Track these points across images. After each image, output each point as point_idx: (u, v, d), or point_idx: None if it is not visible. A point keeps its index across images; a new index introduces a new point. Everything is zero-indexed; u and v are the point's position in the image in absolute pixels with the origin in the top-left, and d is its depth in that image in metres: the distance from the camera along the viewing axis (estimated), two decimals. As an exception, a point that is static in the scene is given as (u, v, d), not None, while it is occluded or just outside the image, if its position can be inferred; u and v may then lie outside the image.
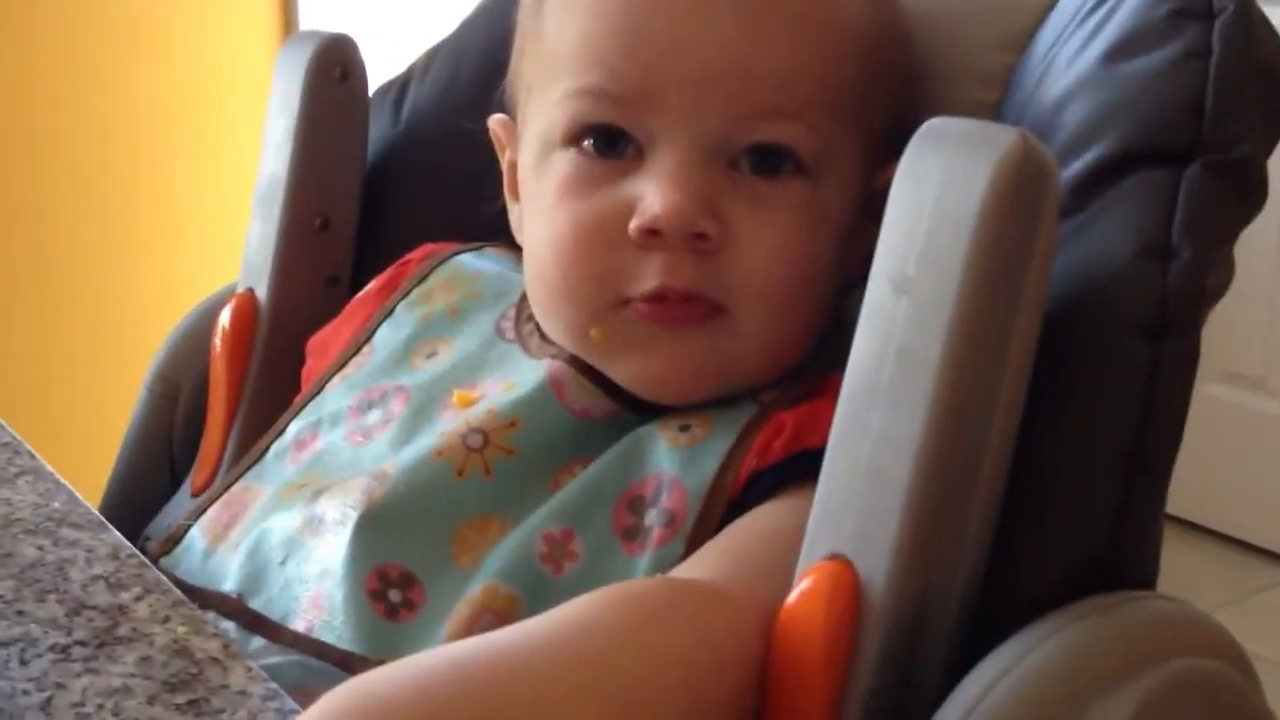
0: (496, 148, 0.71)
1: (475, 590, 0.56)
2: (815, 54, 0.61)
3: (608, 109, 0.61)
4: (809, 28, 0.61)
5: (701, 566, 0.53)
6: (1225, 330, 1.97)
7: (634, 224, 0.59)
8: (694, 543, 0.56)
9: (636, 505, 0.58)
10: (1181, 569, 1.96)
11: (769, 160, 0.60)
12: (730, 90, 0.59)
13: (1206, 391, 2.03)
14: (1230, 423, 2.02)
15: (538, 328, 0.66)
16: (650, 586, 0.51)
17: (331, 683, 0.54)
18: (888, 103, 0.65)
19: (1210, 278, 0.53)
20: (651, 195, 0.59)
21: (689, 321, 0.60)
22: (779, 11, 0.60)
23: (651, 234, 0.59)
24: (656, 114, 0.60)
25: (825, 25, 0.62)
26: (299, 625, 0.58)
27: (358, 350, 0.70)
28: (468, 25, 0.83)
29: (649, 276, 0.59)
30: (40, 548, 0.56)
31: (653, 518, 0.57)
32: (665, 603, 0.49)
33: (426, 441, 0.61)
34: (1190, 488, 2.03)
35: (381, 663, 0.55)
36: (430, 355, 0.68)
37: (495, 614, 0.56)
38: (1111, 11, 0.60)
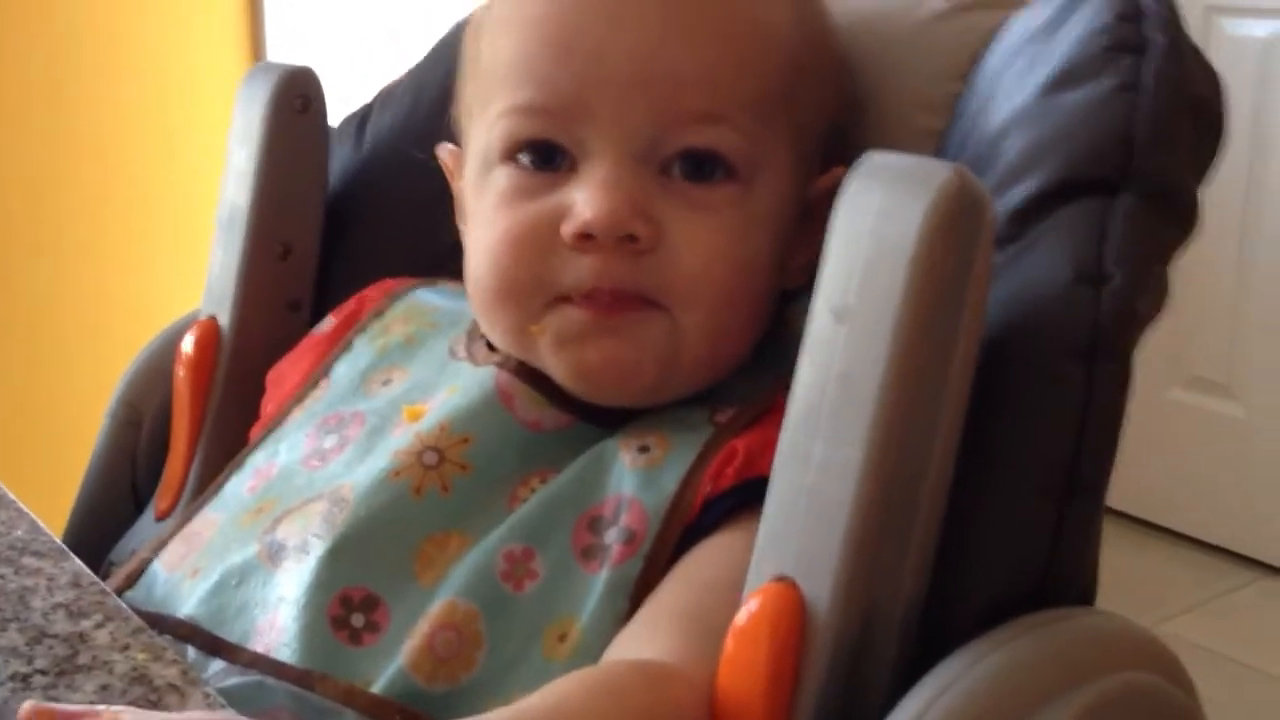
0: (447, 176, 0.73)
1: (435, 607, 0.58)
2: (739, 58, 0.62)
3: (541, 123, 0.62)
4: (732, 32, 0.63)
5: (658, 637, 0.54)
6: (1189, 336, 1.99)
7: (566, 229, 0.60)
8: (652, 561, 0.57)
9: (596, 525, 0.59)
10: (1147, 573, 1.98)
11: (701, 167, 0.62)
12: (656, 96, 0.61)
13: (1171, 397, 2.05)
14: (1195, 427, 2.04)
15: (487, 343, 0.67)
16: (618, 676, 0.52)
17: (290, 701, 0.55)
18: (818, 105, 0.66)
19: (1141, 301, 0.55)
20: (583, 202, 0.60)
21: (625, 310, 0.61)
22: (702, 17, 0.62)
23: (584, 238, 0.60)
24: (587, 124, 0.61)
25: (749, 29, 0.63)
26: (257, 647, 0.58)
27: (316, 384, 0.71)
28: (429, 59, 0.84)
29: (584, 277, 0.61)
30: (1, 576, 0.57)
31: (612, 536, 0.58)
32: (631, 693, 0.51)
33: (381, 462, 0.62)
34: (1157, 491, 2.07)
35: (341, 682, 0.56)
36: (386, 382, 0.69)
37: (454, 629, 0.57)
38: (1051, 44, 0.61)
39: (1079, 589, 0.55)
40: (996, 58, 0.65)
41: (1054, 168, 0.57)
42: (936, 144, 0.67)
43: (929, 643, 0.52)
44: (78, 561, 0.59)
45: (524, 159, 0.63)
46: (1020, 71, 0.61)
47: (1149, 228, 0.55)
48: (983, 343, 0.52)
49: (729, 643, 0.51)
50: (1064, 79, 0.59)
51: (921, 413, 0.50)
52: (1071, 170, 0.56)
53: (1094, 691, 0.51)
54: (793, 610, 0.49)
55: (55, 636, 0.53)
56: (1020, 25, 0.65)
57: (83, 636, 0.53)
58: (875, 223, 0.49)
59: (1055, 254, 0.55)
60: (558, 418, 0.63)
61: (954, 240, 0.49)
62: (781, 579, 0.50)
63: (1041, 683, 0.50)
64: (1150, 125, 0.56)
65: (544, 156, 0.63)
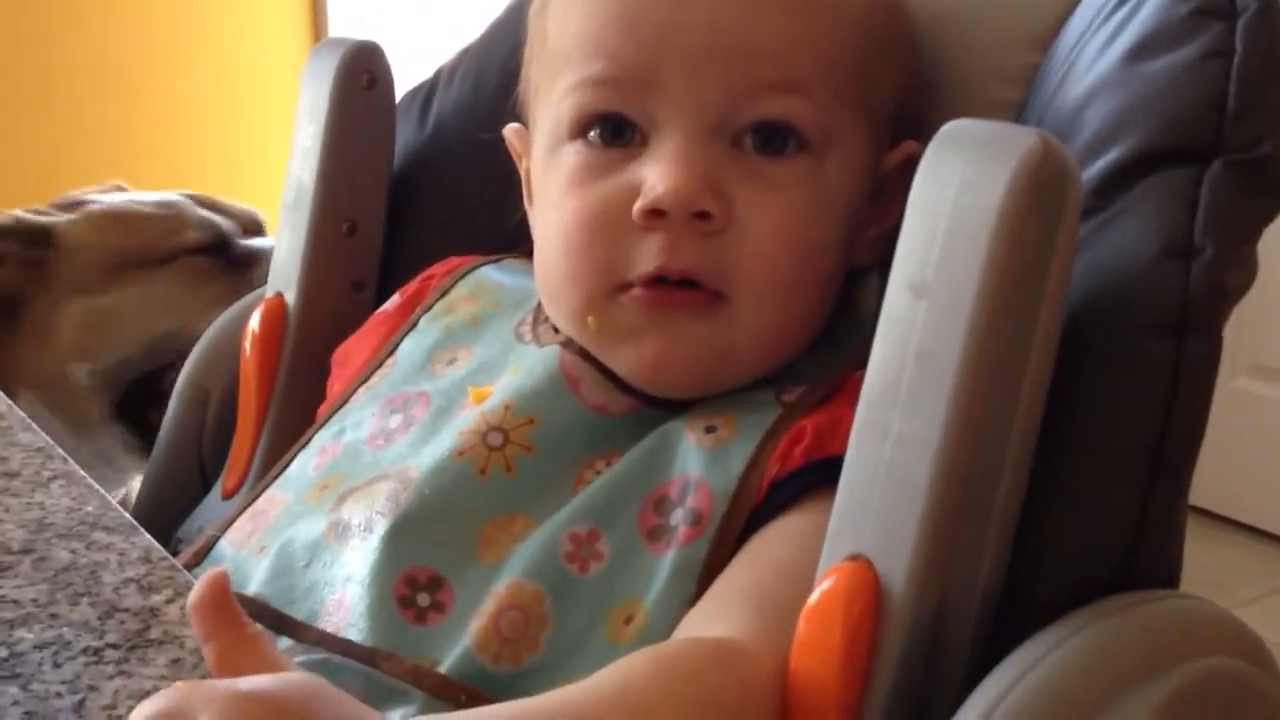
0: (513, 157, 0.72)
1: (500, 586, 0.57)
2: (813, 28, 0.61)
3: (610, 96, 0.61)
4: (805, 5, 0.61)
5: (726, 615, 0.53)
6: (1253, 323, 1.95)
7: (638, 205, 0.59)
8: (719, 543, 0.57)
9: (662, 506, 0.58)
10: (1212, 563, 1.94)
11: (772, 139, 0.61)
12: (729, 66, 0.60)
13: (1235, 385, 2.01)
14: (1259, 416, 2.00)
15: (553, 324, 0.66)
16: (686, 653, 0.51)
17: (357, 680, 0.55)
18: (890, 80, 0.65)
19: (1232, 276, 0.53)
20: (654, 176, 0.59)
21: (684, 307, 0.60)
22: None
23: (655, 214, 0.59)
24: (658, 96, 0.60)
25: (821, 3, 0.62)
26: (325, 626, 0.58)
27: (381, 363, 0.70)
28: (491, 32, 0.83)
29: (649, 258, 0.60)
30: (73, 551, 0.57)
31: (678, 517, 0.58)
32: (699, 671, 0.50)
33: (446, 442, 0.62)
34: (1219, 481, 2.03)
35: (408, 661, 0.56)
36: (451, 362, 0.68)
37: (520, 609, 0.56)
38: (1134, 10, 0.59)
39: (1162, 575, 0.54)
40: (1077, 26, 0.63)
41: (1140, 137, 0.55)
42: (1013, 116, 0.65)
43: (1007, 625, 0.51)
44: (148, 537, 0.59)
45: (593, 135, 0.62)
46: (1103, 40, 0.60)
47: (1241, 199, 0.53)
48: (1067, 317, 0.51)
49: (801, 624, 0.50)
50: (1149, 45, 0.57)
51: (1002, 390, 0.49)
52: (1159, 139, 0.54)
53: (1179, 676, 0.50)
54: (868, 590, 0.48)
55: (126, 611, 0.53)
56: (1101, -8, 0.63)
57: (154, 611, 0.53)
58: (956, 193, 0.48)
59: (1142, 226, 0.53)
60: (624, 401, 0.62)
61: (1039, 210, 0.47)
62: (856, 558, 0.49)
63: (1125, 667, 0.49)
64: (1243, 93, 0.54)
65: (614, 131, 0.62)
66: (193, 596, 0.44)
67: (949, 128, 0.50)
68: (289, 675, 0.43)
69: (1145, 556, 0.52)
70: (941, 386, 0.48)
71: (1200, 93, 0.55)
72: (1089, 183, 0.55)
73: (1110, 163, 0.55)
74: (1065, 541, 0.52)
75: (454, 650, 0.56)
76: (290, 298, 0.77)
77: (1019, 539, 0.51)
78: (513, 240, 0.75)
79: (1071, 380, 0.52)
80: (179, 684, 0.42)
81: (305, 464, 0.67)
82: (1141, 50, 0.57)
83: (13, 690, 0.47)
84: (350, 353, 0.74)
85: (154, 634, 0.51)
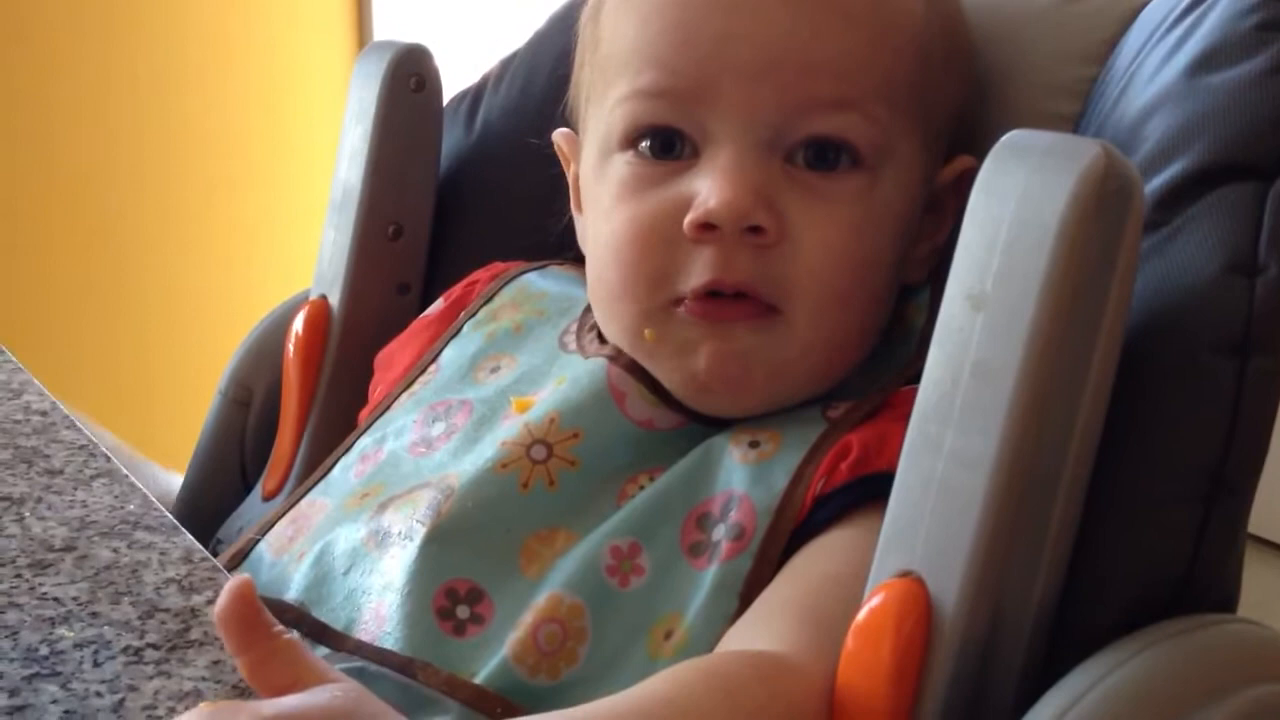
0: (562, 162, 0.72)
1: (540, 599, 0.57)
2: (870, 44, 0.61)
3: (663, 109, 0.61)
4: (863, 19, 0.61)
5: (771, 629, 0.52)
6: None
7: (689, 219, 0.59)
8: (761, 559, 0.56)
9: (704, 522, 0.58)
10: (1260, 588, 1.91)
11: (825, 154, 0.60)
12: (784, 81, 0.59)
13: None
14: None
15: (598, 334, 0.66)
16: (731, 666, 0.51)
17: (392, 690, 0.55)
18: (947, 95, 0.64)
19: (1298, 293, 0.52)
20: (706, 190, 0.59)
21: (738, 319, 0.60)
22: (832, 3, 0.60)
23: (706, 228, 0.59)
24: (711, 109, 0.60)
25: (878, 15, 0.61)
26: (362, 635, 0.58)
27: (424, 369, 0.70)
28: (540, 36, 0.83)
29: (702, 271, 0.59)
30: (115, 550, 0.57)
31: (720, 532, 0.57)
32: (744, 685, 0.49)
33: (488, 451, 0.61)
34: (1268, 505, 1.99)
35: (443, 671, 0.55)
36: (494, 370, 0.68)
37: (559, 622, 0.56)
38: (1197, 22, 0.58)
39: (1220, 597, 0.52)
40: (1136, 38, 0.62)
41: (1202, 151, 0.54)
42: (1070, 129, 0.64)
43: (1061, 647, 0.50)
44: (189, 537, 0.59)
45: (644, 147, 0.62)
46: (1164, 53, 0.58)
47: None
48: (1127, 333, 0.50)
49: (850, 640, 0.49)
50: (1212, 58, 0.56)
51: (1060, 405, 0.48)
52: (1222, 154, 0.53)
53: (1236, 703, 0.48)
54: (918, 607, 0.47)
55: (167, 611, 0.53)
56: (1161, 5, 0.62)
57: (194, 612, 0.53)
58: (1016, 204, 0.47)
59: (1204, 241, 0.52)
60: (670, 417, 0.62)
61: (1101, 223, 0.46)
62: (907, 574, 0.48)
63: (1185, 692, 0.48)
64: None
65: (665, 145, 0.61)
66: (219, 606, 0.42)
67: (1009, 138, 0.49)
68: (317, 692, 0.41)
69: (1203, 577, 0.51)
70: (998, 399, 0.47)
71: (1265, 108, 0.54)
72: (1150, 197, 0.54)
73: (1172, 177, 0.54)
74: (1122, 560, 0.51)
75: (490, 662, 0.55)
76: (334, 299, 0.77)
77: (1075, 557, 0.50)
78: (559, 245, 0.75)
79: (1132, 397, 0.50)
80: (203, 706, 0.41)
81: (347, 470, 0.67)
82: (1205, 63, 0.56)
83: (52, 689, 0.47)
84: (393, 356, 0.74)
85: (194, 635, 0.51)
